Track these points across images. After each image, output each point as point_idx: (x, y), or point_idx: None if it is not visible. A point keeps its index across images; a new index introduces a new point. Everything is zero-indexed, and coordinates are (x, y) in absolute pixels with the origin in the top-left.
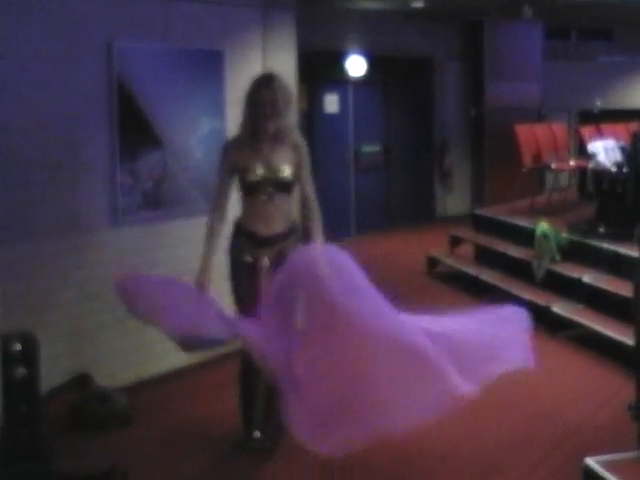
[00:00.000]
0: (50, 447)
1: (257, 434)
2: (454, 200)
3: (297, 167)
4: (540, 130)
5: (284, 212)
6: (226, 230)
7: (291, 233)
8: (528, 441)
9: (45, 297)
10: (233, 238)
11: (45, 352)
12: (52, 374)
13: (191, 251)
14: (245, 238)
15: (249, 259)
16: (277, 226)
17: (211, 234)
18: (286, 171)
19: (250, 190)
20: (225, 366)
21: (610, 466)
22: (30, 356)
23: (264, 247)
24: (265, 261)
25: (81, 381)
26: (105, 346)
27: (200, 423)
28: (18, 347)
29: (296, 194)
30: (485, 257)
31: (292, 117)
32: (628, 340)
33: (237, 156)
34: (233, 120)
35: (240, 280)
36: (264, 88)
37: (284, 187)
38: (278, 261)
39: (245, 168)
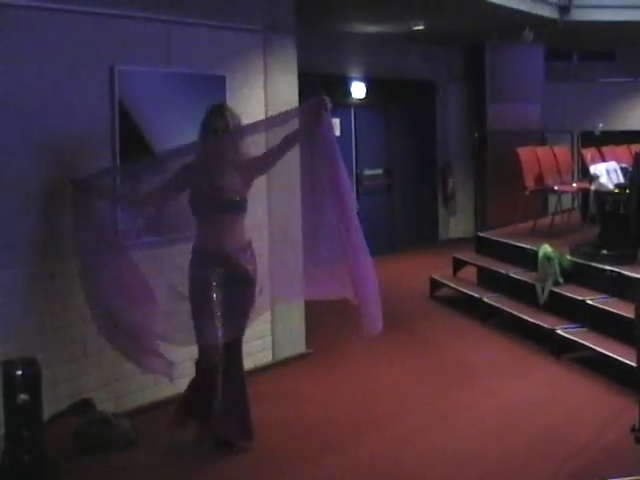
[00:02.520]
0: (53, 472)
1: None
2: (457, 223)
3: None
4: (542, 152)
5: (233, 230)
6: None
7: (243, 251)
8: (531, 463)
9: (46, 321)
10: (191, 257)
11: (46, 376)
12: (54, 399)
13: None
14: (199, 256)
15: (201, 274)
16: (226, 243)
17: None
18: (232, 192)
19: (198, 206)
20: None
21: None
22: (32, 381)
23: (214, 263)
24: (215, 276)
25: (83, 406)
26: (107, 370)
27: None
28: (20, 372)
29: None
30: (488, 280)
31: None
32: (632, 362)
33: (188, 174)
34: None
35: (195, 295)
36: (216, 116)
37: (230, 206)
38: (229, 278)
39: (194, 187)
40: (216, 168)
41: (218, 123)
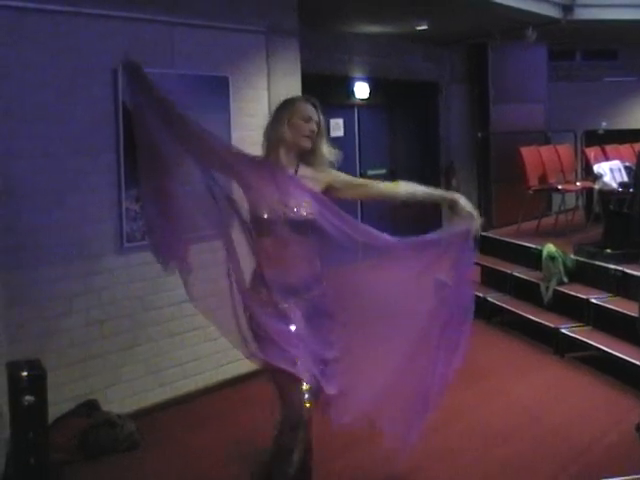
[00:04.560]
0: (58, 474)
1: None
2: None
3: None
4: (546, 151)
5: (304, 257)
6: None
7: (317, 282)
8: (536, 463)
9: (51, 323)
10: (250, 287)
11: (52, 379)
12: (59, 401)
13: (197, 277)
14: (262, 286)
15: (272, 310)
16: (298, 273)
17: None
18: (307, 208)
19: (261, 229)
20: (230, 392)
21: None
22: (37, 383)
23: (290, 294)
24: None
25: (88, 407)
26: (112, 372)
27: (207, 449)
28: (25, 374)
29: None
30: (492, 279)
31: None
32: (636, 361)
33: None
34: (238, 145)
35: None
36: (308, 103)
37: (303, 227)
38: (306, 312)
39: (257, 200)
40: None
41: (312, 112)
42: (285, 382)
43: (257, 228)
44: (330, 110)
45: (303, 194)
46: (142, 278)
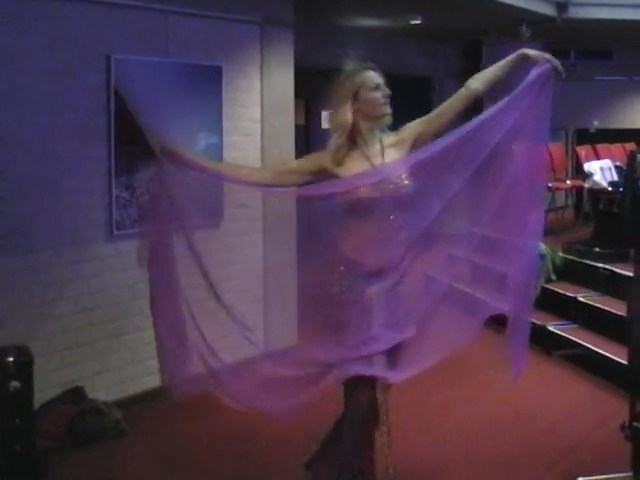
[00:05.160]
0: (44, 461)
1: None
2: (452, 219)
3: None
4: None
5: (395, 239)
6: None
7: (400, 265)
8: (522, 461)
9: (40, 310)
10: (329, 269)
11: (40, 365)
12: (46, 387)
13: (188, 267)
14: (347, 269)
15: (352, 295)
16: (392, 253)
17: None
18: (406, 179)
19: (359, 212)
20: None
21: None
22: (24, 369)
23: (373, 280)
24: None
25: (74, 394)
26: (100, 360)
27: (194, 438)
28: (12, 360)
29: None
30: None
31: None
32: (622, 359)
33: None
34: (229, 135)
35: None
36: (368, 70)
37: (405, 203)
38: (389, 297)
39: (359, 186)
40: (375, 152)
41: (376, 77)
42: (355, 383)
43: (352, 211)
44: (322, 102)
45: (397, 170)
46: (132, 266)
